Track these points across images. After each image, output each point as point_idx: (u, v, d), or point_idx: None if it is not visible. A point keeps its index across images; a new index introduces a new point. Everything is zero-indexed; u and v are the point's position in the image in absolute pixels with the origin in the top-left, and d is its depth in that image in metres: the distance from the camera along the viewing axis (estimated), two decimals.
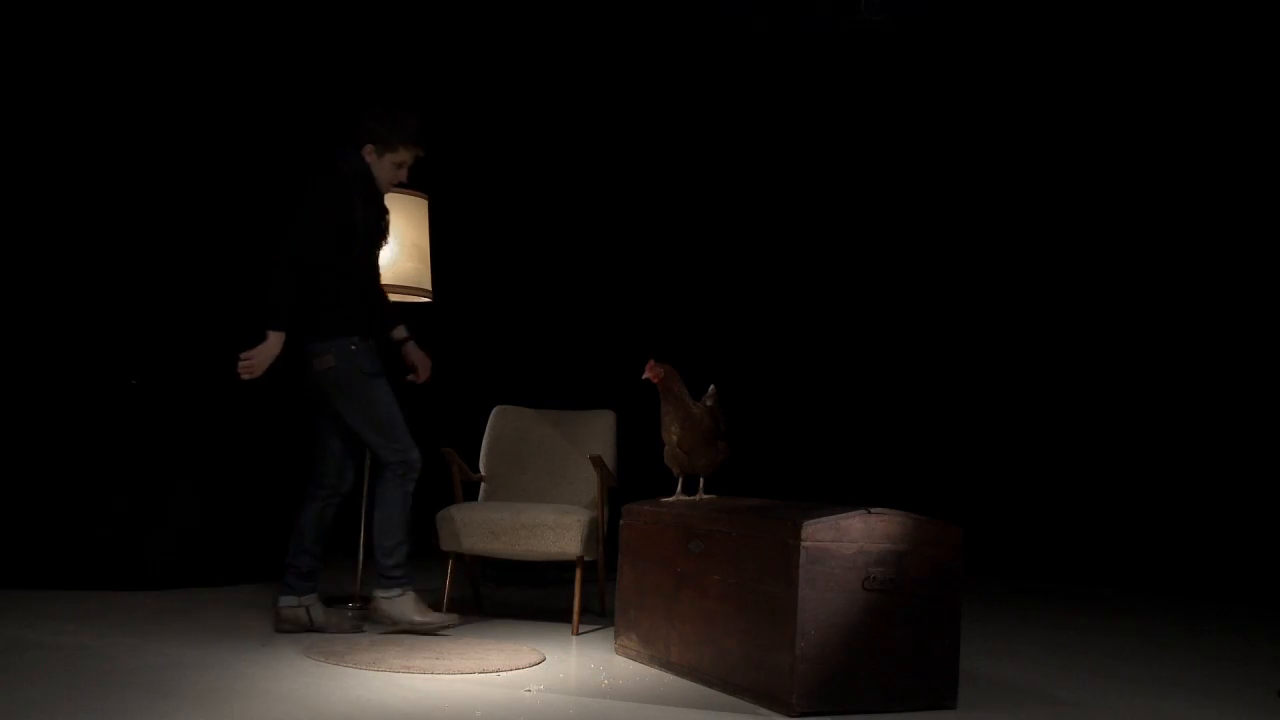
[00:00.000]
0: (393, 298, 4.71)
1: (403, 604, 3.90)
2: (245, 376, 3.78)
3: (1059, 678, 3.71)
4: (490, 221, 6.72)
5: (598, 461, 4.24)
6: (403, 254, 4.55)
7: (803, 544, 2.97)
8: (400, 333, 4.18)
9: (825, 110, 7.19)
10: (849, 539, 3.03)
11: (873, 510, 3.08)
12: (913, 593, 3.10)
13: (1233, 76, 6.34)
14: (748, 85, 7.13)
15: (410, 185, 4.67)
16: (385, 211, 4.07)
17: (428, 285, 4.66)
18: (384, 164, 4.01)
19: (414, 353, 4.18)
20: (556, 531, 4.10)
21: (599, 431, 4.69)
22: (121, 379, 4.97)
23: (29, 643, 3.43)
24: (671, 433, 3.73)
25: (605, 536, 4.27)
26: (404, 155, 4.02)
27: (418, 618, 3.89)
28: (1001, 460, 6.95)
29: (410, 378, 4.19)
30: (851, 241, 7.37)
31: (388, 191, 4.10)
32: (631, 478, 4.43)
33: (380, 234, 4.04)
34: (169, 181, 6.16)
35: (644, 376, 3.69)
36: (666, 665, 3.51)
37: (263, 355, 3.76)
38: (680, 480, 3.79)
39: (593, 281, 6.77)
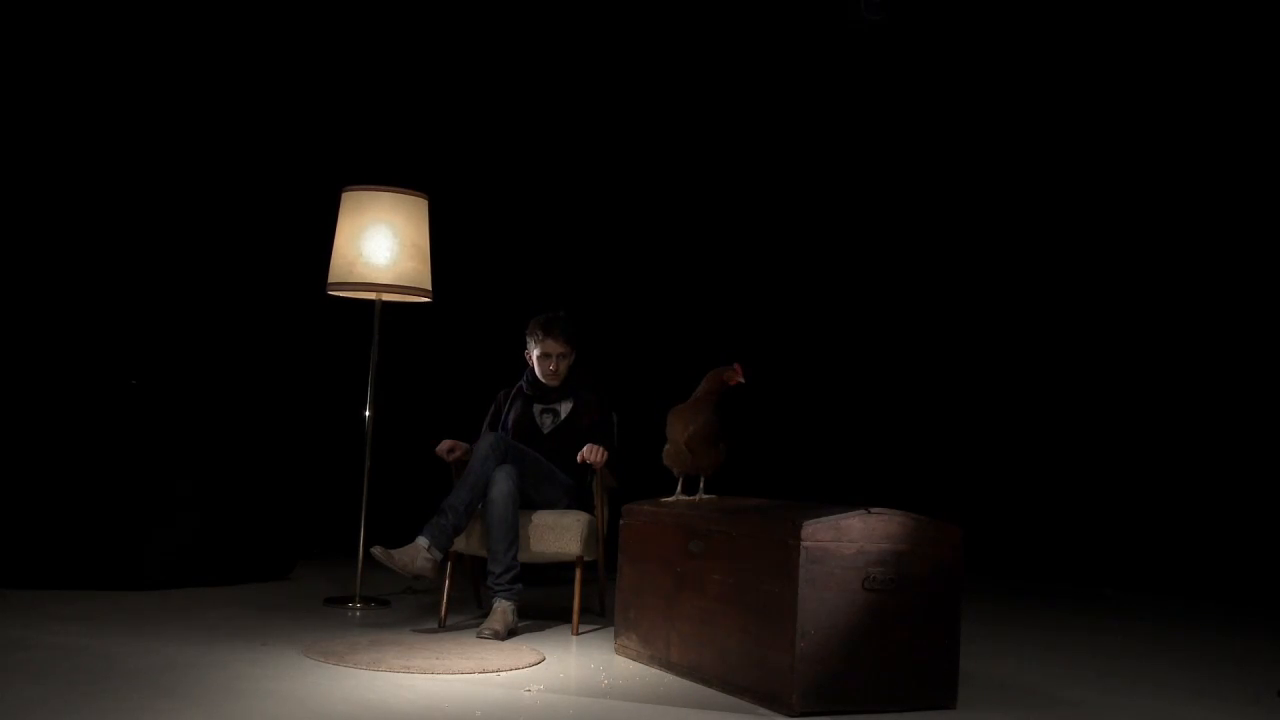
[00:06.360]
0: (392, 298, 4.72)
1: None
2: None
3: (1059, 678, 3.71)
4: (490, 221, 6.72)
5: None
6: (403, 254, 4.55)
7: (803, 544, 2.97)
8: None
9: (823, 110, 7.19)
10: (849, 539, 3.03)
11: (873, 510, 3.08)
12: (913, 593, 3.10)
13: (1233, 76, 6.34)
14: (747, 84, 7.13)
15: (410, 185, 4.68)
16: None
17: (428, 285, 4.66)
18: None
19: None
20: (556, 531, 4.10)
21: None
22: (121, 379, 4.97)
23: (29, 643, 3.43)
24: (687, 429, 3.67)
25: (605, 536, 4.27)
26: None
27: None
28: (1001, 460, 6.95)
29: None
30: (851, 241, 7.37)
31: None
32: (632, 478, 4.42)
33: None
34: (170, 182, 6.17)
35: (736, 381, 3.69)
36: (666, 665, 3.51)
37: None
38: (680, 480, 3.78)
39: (592, 281, 6.76)
